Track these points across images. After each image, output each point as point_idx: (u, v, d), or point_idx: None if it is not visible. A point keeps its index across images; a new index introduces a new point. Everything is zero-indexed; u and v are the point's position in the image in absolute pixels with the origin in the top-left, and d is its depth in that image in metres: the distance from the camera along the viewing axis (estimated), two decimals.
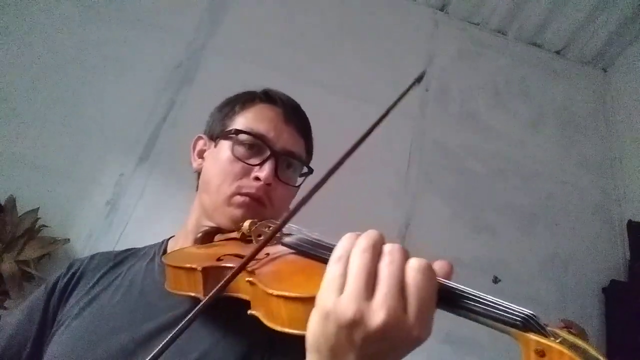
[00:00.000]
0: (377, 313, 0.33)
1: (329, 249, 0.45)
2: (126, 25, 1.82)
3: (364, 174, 1.76)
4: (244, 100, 0.78)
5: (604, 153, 2.10)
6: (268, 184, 0.69)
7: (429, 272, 0.36)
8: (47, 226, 1.44)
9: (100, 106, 1.68)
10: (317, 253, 0.49)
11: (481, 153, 1.98)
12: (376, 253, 0.36)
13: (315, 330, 0.36)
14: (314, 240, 0.51)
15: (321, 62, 1.97)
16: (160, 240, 0.80)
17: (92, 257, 0.77)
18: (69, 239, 1.44)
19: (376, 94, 1.99)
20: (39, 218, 1.43)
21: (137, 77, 1.76)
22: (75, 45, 1.75)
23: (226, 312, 0.52)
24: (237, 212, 0.69)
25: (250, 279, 0.46)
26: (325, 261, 0.45)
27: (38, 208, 1.43)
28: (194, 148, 0.81)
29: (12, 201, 1.43)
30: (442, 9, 2.26)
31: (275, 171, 0.70)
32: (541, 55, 2.29)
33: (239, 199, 0.69)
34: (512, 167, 1.98)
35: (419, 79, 0.51)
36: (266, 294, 0.42)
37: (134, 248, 0.79)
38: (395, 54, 2.10)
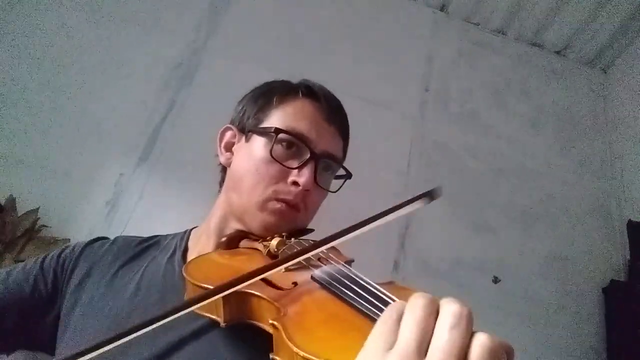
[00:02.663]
0: None
1: (364, 297, 0.42)
2: (126, 25, 1.82)
3: (364, 174, 1.76)
4: (283, 92, 0.71)
5: (604, 153, 2.10)
6: (307, 190, 0.64)
7: (499, 354, 0.29)
8: (47, 226, 1.45)
9: (100, 106, 1.68)
10: (349, 299, 0.43)
11: (481, 153, 1.98)
12: (434, 310, 0.31)
13: None
14: (347, 282, 0.45)
15: (321, 62, 1.97)
16: (183, 230, 0.76)
17: (114, 240, 0.74)
18: (69, 239, 1.44)
19: (376, 93, 1.99)
20: (39, 218, 1.43)
21: (137, 77, 1.76)
22: (75, 45, 1.75)
23: (250, 334, 0.48)
24: (271, 219, 0.64)
25: (274, 322, 0.41)
26: (358, 310, 0.41)
27: (38, 208, 1.43)
28: (221, 140, 0.75)
29: (12, 201, 1.43)
30: (442, 9, 2.26)
31: (314, 175, 0.65)
32: (541, 55, 2.29)
33: (274, 204, 0.64)
34: (512, 167, 1.98)
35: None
36: (289, 348, 0.37)
37: (157, 236, 0.75)
38: (395, 54, 2.10)
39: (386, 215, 0.42)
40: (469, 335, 0.29)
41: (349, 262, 0.62)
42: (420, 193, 0.40)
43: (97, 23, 1.80)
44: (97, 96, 1.69)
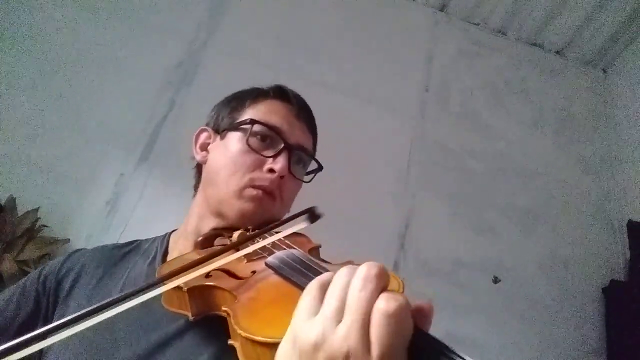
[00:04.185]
0: (341, 341, 0.30)
1: (308, 276, 0.43)
2: (126, 25, 1.82)
3: (364, 174, 1.76)
4: (255, 94, 0.76)
5: (604, 153, 2.10)
6: (282, 177, 0.67)
7: (399, 318, 0.30)
8: (47, 226, 1.44)
9: (100, 106, 1.68)
10: (296, 280, 0.44)
11: (481, 153, 1.98)
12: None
13: (282, 355, 0.34)
14: (295, 265, 0.47)
15: (321, 62, 1.97)
16: (163, 234, 0.77)
17: (93, 251, 0.74)
18: (69, 239, 1.44)
19: (376, 93, 1.99)
20: (39, 218, 1.43)
21: (137, 77, 1.76)
22: (75, 45, 1.75)
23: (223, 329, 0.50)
24: (248, 206, 0.67)
25: (227, 309, 0.43)
26: (303, 289, 0.42)
27: (38, 208, 1.43)
28: (196, 141, 0.78)
29: (12, 201, 1.43)
30: (442, 9, 2.26)
31: (288, 165, 0.69)
32: (541, 55, 2.29)
33: (251, 191, 0.67)
34: (512, 167, 1.98)
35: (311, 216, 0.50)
36: (237, 332, 0.39)
37: (137, 240, 0.77)
38: (395, 54, 2.10)
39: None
40: (377, 296, 0.32)
41: (316, 248, 0.65)
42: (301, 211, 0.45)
43: (97, 23, 1.80)
44: (97, 96, 1.69)
